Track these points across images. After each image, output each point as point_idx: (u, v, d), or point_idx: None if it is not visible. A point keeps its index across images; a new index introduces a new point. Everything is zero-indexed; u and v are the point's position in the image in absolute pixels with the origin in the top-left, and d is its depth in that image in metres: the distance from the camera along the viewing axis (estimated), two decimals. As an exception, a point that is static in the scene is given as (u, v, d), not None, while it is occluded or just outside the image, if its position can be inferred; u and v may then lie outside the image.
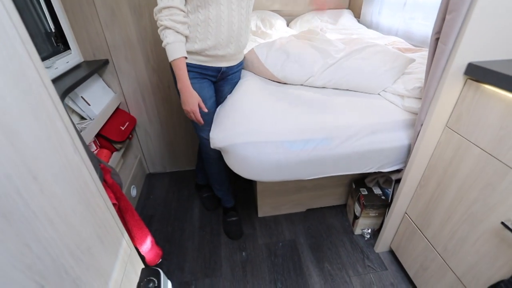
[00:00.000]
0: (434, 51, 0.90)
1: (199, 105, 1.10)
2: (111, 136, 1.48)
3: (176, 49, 1.01)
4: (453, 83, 0.88)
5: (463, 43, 0.80)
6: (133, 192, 1.74)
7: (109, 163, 1.46)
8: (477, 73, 0.82)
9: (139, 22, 1.50)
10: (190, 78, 1.08)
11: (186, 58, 1.05)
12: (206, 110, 1.10)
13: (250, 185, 1.88)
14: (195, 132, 1.35)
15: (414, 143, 1.05)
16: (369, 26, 2.16)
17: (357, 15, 2.34)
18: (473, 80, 0.85)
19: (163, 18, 0.98)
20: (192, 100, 1.07)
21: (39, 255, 0.33)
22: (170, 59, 1.02)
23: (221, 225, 1.61)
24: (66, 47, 1.40)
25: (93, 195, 0.47)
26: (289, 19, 2.36)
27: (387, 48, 1.28)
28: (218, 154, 1.35)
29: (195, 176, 1.88)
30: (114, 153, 1.55)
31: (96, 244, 0.46)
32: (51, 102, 0.38)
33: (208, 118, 1.20)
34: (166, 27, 0.98)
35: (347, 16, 2.25)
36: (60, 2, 1.36)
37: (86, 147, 0.84)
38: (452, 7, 0.79)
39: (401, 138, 1.08)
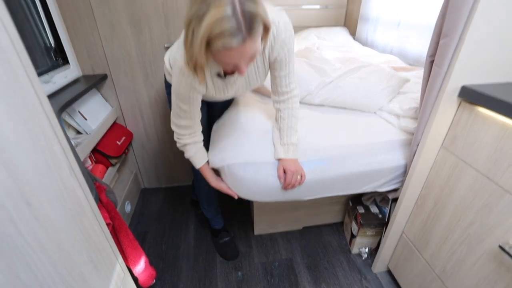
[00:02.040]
0: (429, 73, 0.92)
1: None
2: (107, 151, 1.47)
3: (200, 158, 1.06)
4: (448, 105, 0.90)
5: (457, 66, 0.82)
6: (128, 208, 1.71)
7: (104, 179, 1.44)
8: (470, 95, 0.84)
9: (138, 38, 1.52)
10: None
11: (207, 161, 1.09)
12: (236, 197, 1.09)
13: (246, 202, 1.86)
14: None
15: (411, 163, 1.05)
16: (364, 43, 2.21)
17: (353, 33, 2.39)
18: (467, 102, 0.87)
19: (183, 137, 1.01)
20: (218, 186, 1.10)
21: (29, 285, 0.32)
22: (197, 167, 1.08)
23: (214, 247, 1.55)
24: (65, 61, 1.41)
25: (88, 218, 0.46)
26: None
27: (382, 67, 1.30)
28: None
29: (190, 191, 1.86)
30: (109, 168, 1.53)
31: (89, 269, 0.45)
32: (50, 125, 0.38)
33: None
34: (187, 144, 1.02)
35: (343, 34, 2.30)
36: (60, 17, 1.37)
37: (82, 168, 0.82)
38: (446, 31, 0.81)
39: (397, 158, 1.08)
